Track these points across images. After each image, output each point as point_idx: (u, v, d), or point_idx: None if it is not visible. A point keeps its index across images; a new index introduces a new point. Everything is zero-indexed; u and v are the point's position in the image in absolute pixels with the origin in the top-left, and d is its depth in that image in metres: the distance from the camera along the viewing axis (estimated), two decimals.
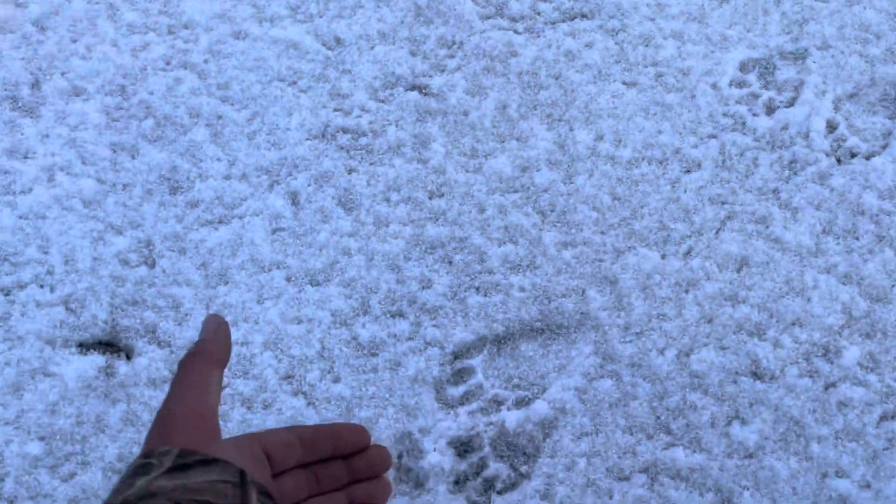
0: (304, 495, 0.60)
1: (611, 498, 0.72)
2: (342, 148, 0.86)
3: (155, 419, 0.50)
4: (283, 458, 0.58)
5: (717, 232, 0.83)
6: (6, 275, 0.79)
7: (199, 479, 0.42)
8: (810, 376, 0.77)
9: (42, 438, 0.73)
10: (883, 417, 0.75)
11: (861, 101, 0.90)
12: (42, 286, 0.79)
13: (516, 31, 0.93)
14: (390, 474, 0.67)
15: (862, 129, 0.88)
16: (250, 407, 0.75)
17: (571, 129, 0.88)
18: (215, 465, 0.45)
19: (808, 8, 0.95)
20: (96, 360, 0.76)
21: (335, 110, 0.89)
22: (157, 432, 0.49)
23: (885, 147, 0.87)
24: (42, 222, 0.81)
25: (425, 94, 0.89)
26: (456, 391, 0.76)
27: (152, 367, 0.76)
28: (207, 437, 0.49)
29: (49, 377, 0.75)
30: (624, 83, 0.91)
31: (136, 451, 0.72)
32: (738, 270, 0.81)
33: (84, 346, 0.77)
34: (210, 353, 0.56)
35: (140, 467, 0.44)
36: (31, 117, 0.87)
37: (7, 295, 0.78)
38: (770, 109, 0.90)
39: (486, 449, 0.74)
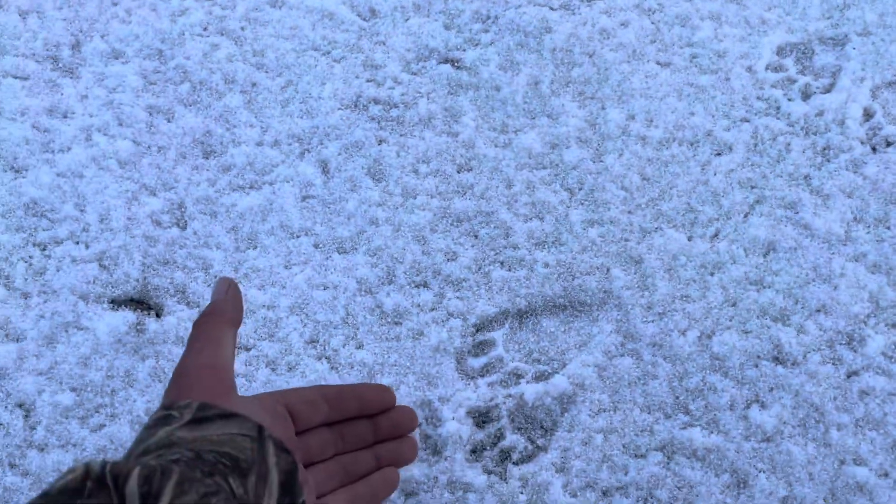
0: (329, 453, 0.62)
1: (626, 474, 0.72)
2: (373, 118, 0.87)
3: (173, 375, 0.52)
4: (307, 416, 0.59)
5: (745, 216, 0.83)
6: (43, 230, 0.81)
7: (217, 431, 0.44)
8: (833, 364, 0.76)
9: (73, 389, 0.75)
10: None
11: None
12: (77, 243, 0.81)
13: (551, 8, 0.92)
14: (416, 435, 0.69)
15: None
16: (275, 369, 0.76)
17: (603, 108, 0.88)
18: (234, 419, 0.47)
19: None
20: (127, 316, 0.78)
21: (368, 81, 0.89)
22: (175, 387, 0.50)
23: None
24: (79, 181, 0.83)
25: (458, 68, 0.90)
26: (476, 362, 0.77)
27: (181, 325, 0.78)
28: (223, 392, 0.50)
29: (82, 331, 0.77)
30: (658, 63, 0.90)
31: None
32: (765, 255, 0.81)
33: (116, 303, 0.79)
34: (223, 313, 0.57)
35: (161, 419, 0.46)
36: (70, 78, 0.88)
37: (43, 250, 0.80)
38: (806, 95, 0.89)
39: (504, 420, 0.75)
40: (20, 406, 0.74)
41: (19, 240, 0.80)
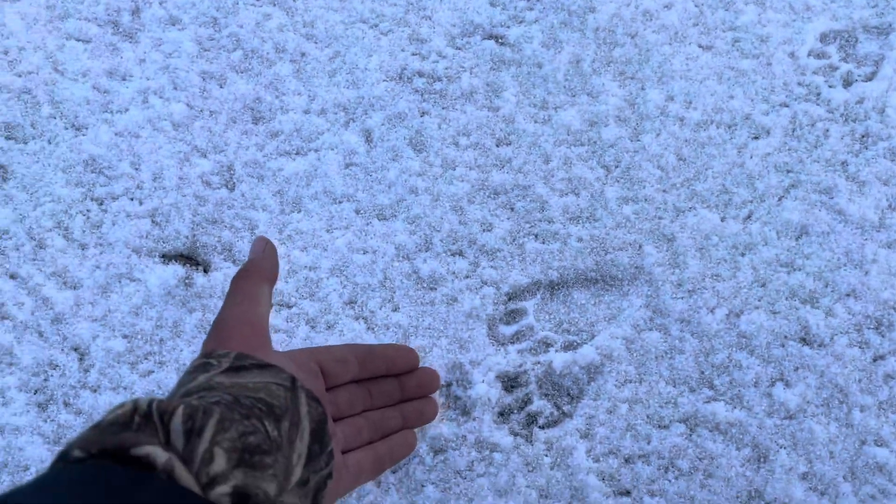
0: (358, 409, 0.65)
1: (649, 443, 0.75)
2: (417, 91, 0.90)
3: (212, 326, 0.55)
4: (338, 373, 0.62)
5: (779, 199, 0.84)
6: (101, 186, 0.85)
7: (253, 379, 0.47)
8: (860, 347, 0.77)
9: (125, 337, 0.79)
10: None
11: None
12: (132, 199, 0.85)
13: None
14: (439, 397, 0.72)
15: None
16: (314, 327, 0.80)
17: (643, 88, 0.89)
18: (269, 369, 0.50)
19: None
20: (177, 270, 0.82)
21: (413, 54, 0.92)
22: (213, 337, 0.53)
23: None
24: (135, 141, 0.87)
25: (501, 44, 0.92)
26: (507, 330, 0.80)
27: (226, 282, 0.82)
28: (259, 344, 0.53)
29: (134, 282, 0.81)
30: (700, 46, 0.91)
31: None
32: (797, 238, 0.82)
33: (166, 257, 0.83)
34: (260, 270, 0.60)
35: (201, 365, 0.49)
36: (130, 42, 0.92)
37: (101, 205, 0.85)
38: (847, 82, 0.89)
39: (532, 386, 0.78)
40: (75, 350, 0.79)
41: (78, 194, 0.85)
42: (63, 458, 0.36)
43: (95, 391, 0.77)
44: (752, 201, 0.84)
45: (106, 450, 0.36)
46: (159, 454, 0.37)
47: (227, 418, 0.40)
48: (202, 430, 0.39)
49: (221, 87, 0.90)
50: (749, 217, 0.83)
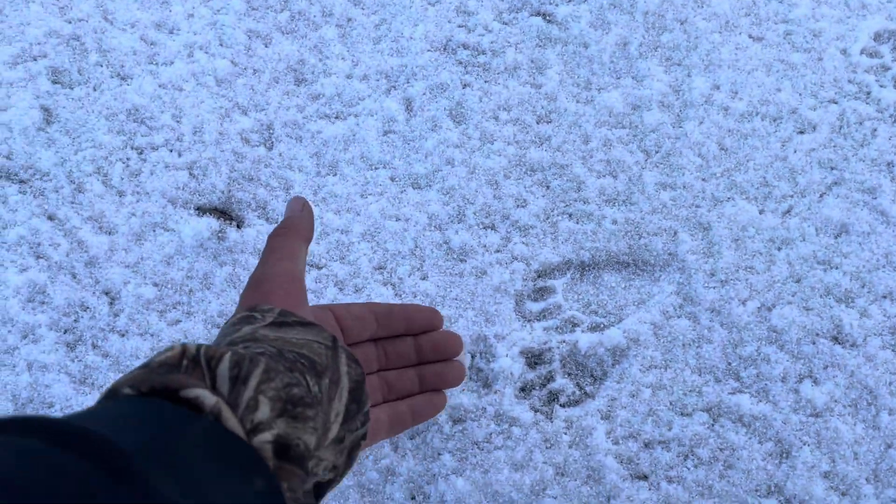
0: (373, 368, 0.64)
1: (670, 430, 0.74)
2: (460, 63, 0.89)
3: (250, 281, 0.55)
4: (356, 331, 0.62)
5: (821, 196, 0.82)
6: (142, 136, 0.86)
7: (297, 336, 0.47)
8: (893, 350, 0.76)
9: (155, 285, 0.80)
10: None
11: None
12: (171, 150, 0.85)
13: None
14: (465, 361, 0.71)
15: None
16: (342, 289, 0.80)
17: (689, 75, 0.88)
18: (312, 328, 0.50)
19: None
20: (211, 223, 0.82)
21: (459, 26, 0.91)
22: (254, 292, 0.53)
23: None
24: (178, 93, 0.88)
25: (549, 22, 0.91)
26: (535, 306, 0.80)
27: (259, 239, 0.82)
28: (298, 302, 0.53)
29: (168, 232, 0.82)
30: (750, 36, 0.90)
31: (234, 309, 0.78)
32: (837, 236, 0.81)
33: (201, 210, 0.84)
34: (298, 228, 0.60)
35: (244, 318, 0.49)
36: None
37: (140, 154, 0.85)
38: None
39: (556, 364, 0.77)
40: (106, 293, 0.80)
41: (119, 142, 0.86)
42: (112, 395, 0.37)
43: (123, 336, 0.78)
44: (792, 196, 0.83)
45: (155, 389, 0.36)
46: (207, 397, 0.37)
47: (272, 368, 0.41)
48: (248, 378, 0.39)
49: (266, 46, 0.91)
50: (788, 211, 0.82)
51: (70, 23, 0.91)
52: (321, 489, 0.44)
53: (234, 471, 0.33)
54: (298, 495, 0.37)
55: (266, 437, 0.37)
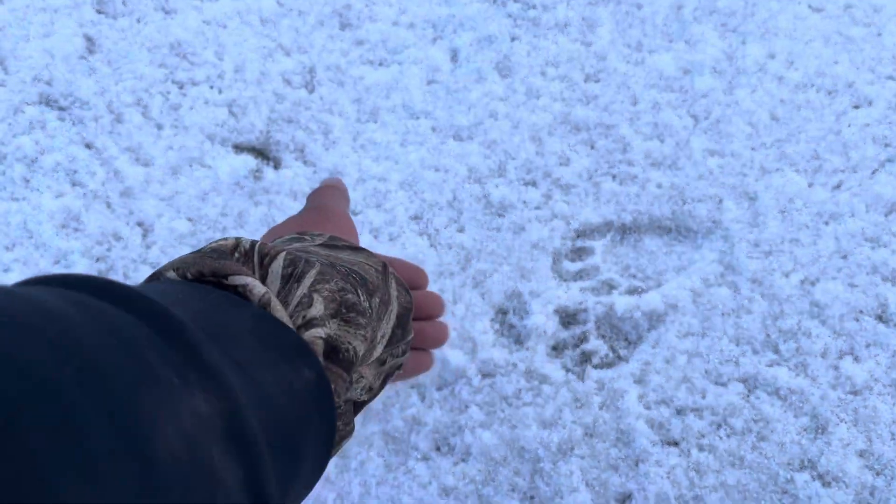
0: None
1: (703, 398, 0.72)
2: (510, 16, 0.87)
3: (299, 214, 0.54)
4: None
5: (873, 172, 0.80)
6: (183, 70, 0.85)
7: (348, 257, 0.45)
8: None
9: (189, 219, 0.79)
10: None
11: None
12: (212, 87, 0.84)
13: None
14: (448, 322, 0.70)
15: None
16: (377, 236, 0.79)
17: (744, 43, 0.85)
18: (361, 252, 0.48)
19: None
20: (248, 162, 0.81)
21: None
22: (303, 221, 0.52)
23: None
24: (222, 30, 0.87)
25: None
26: (572, 266, 0.78)
27: (295, 180, 0.81)
28: (348, 231, 0.52)
29: (204, 168, 0.81)
30: (810, 7, 0.87)
31: None
32: (887, 214, 0.78)
33: (239, 148, 0.83)
34: (343, 186, 0.59)
35: (295, 238, 0.47)
36: None
37: (181, 88, 0.84)
38: None
39: (591, 325, 0.76)
40: (140, 225, 0.79)
41: (161, 75, 0.84)
42: (155, 279, 0.35)
43: (155, 267, 0.77)
44: (843, 171, 0.80)
45: (203, 273, 0.35)
46: (257, 286, 0.35)
47: (326, 272, 0.39)
48: (302, 278, 0.37)
49: None
50: (839, 186, 0.80)
51: None
52: (355, 408, 0.43)
53: (282, 358, 0.32)
54: (339, 401, 0.36)
55: (318, 332, 0.35)
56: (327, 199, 0.57)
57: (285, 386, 0.31)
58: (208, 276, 0.34)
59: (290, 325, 0.34)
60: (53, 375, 0.21)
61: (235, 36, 0.86)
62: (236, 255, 0.37)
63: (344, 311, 0.38)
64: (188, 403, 0.24)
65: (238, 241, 0.38)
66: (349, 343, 0.37)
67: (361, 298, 0.41)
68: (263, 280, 0.37)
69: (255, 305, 0.34)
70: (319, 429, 0.34)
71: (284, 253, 0.38)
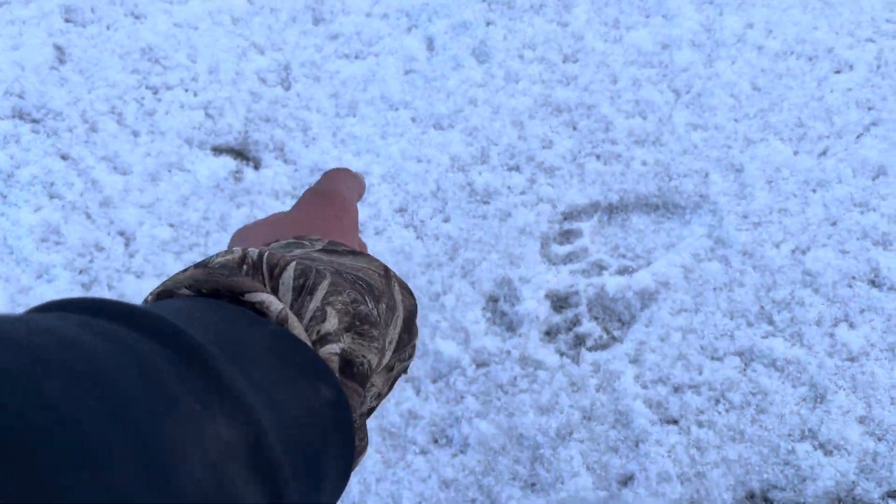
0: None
1: (700, 374, 0.72)
2: (484, 0, 0.86)
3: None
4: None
5: (858, 136, 0.79)
6: (156, 75, 0.84)
7: (352, 263, 0.44)
8: None
9: (171, 225, 0.78)
10: None
11: None
12: (187, 90, 0.83)
13: None
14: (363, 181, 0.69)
15: None
16: (363, 231, 0.78)
17: (721, 14, 0.85)
18: (363, 256, 0.47)
19: None
20: (227, 163, 0.80)
21: None
22: (300, 225, 0.50)
23: None
24: (193, 32, 0.85)
25: None
26: (561, 250, 0.77)
27: (276, 179, 0.80)
28: (352, 239, 0.51)
29: (183, 172, 0.80)
30: None
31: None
32: (874, 178, 0.78)
33: (217, 150, 0.81)
34: (359, 178, 0.57)
35: (293, 243, 0.46)
36: None
37: (155, 93, 0.83)
38: None
39: (583, 307, 0.75)
40: (121, 234, 0.78)
41: (134, 81, 0.83)
42: (167, 295, 0.34)
43: (139, 277, 0.76)
44: (828, 136, 0.80)
45: (219, 291, 0.34)
46: (274, 302, 0.34)
47: (338, 283, 0.38)
48: (314, 290, 0.36)
49: None
50: (824, 153, 0.79)
51: None
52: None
53: (301, 376, 0.31)
54: (355, 416, 0.35)
55: (334, 348, 0.35)
56: (339, 183, 0.55)
57: (305, 406, 0.30)
58: (224, 293, 0.34)
59: (308, 342, 0.34)
60: (75, 408, 0.20)
61: (207, 37, 0.85)
62: (244, 267, 0.36)
63: (358, 323, 0.37)
64: (211, 430, 0.24)
65: (244, 252, 0.37)
66: (363, 356, 0.36)
67: (370, 307, 0.41)
68: (275, 292, 0.36)
69: (272, 322, 0.33)
70: (340, 447, 0.33)
71: (294, 263, 0.37)
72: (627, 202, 0.79)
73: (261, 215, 0.79)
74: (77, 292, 0.75)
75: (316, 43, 0.85)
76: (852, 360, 0.72)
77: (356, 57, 0.85)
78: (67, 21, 0.85)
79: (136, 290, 0.76)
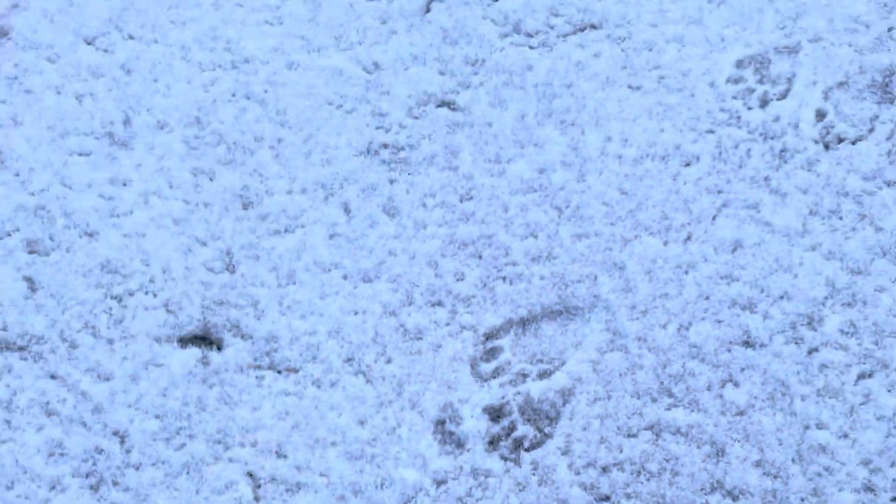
0: None
1: (621, 452, 0.86)
2: (384, 162, 1.01)
3: None
4: None
5: (713, 218, 0.94)
6: (118, 284, 0.97)
7: None
8: (796, 343, 0.88)
9: (157, 417, 0.91)
10: (860, 376, 0.86)
11: (850, 88, 0.99)
12: (147, 293, 0.96)
13: (531, 47, 1.05)
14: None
15: (850, 116, 0.98)
16: (319, 386, 0.91)
17: (583, 133, 1.00)
18: None
19: (801, 3, 1.03)
20: (194, 352, 0.93)
21: (377, 128, 1.03)
22: None
23: (871, 131, 0.97)
24: (142, 239, 0.99)
25: (453, 109, 1.03)
26: (488, 367, 0.91)
27: (238, 355, 0.93)
28: None
29: (159, 367, 0.93)
30: (629, 87, 1.02)
31: (232, 425, 0.89)
32: (733, 252, 0.93)
33: (183, 341, 0.95)
34: None
35: None
36: (125, 150, 1.04)
37: (120, 302, 0.96)
38: (763, 102, 1.00)
39: (515, 414, 0.89)
40: (116, 434, 0.90)
41: (100, 294, 0.96)
42: None
43: (138, 469, 0.88)
44: (689, 223, 0.95)
45: None
46: None
47: None
48: None
49: (211, 180, 1.02)
50: (688, 238, 0.94)
51: (33, 195, 1.01)
52: None
53: None
54: None
55: None
56: None
57: None
58: None
59: None
60: None
61: (155, 241, 0.98)
62: None
63: None
64: None
65: None
66: None
67: None
68: None
69: None
70: None
71: None
72: (535, 314, 0.93)
73: (232, 391, 0.92)
74: (87, 496, 0.88)
75: (249, 226, 0.99)
76: (741, 414, 0.86)
77: (286, 231, 0.98)
78: (31, 252, 0.98)
79: (138, 481, 0.88)
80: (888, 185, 0.94)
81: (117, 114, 1.05)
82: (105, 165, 1.03)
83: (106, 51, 1.08)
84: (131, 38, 1.09)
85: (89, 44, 1.09)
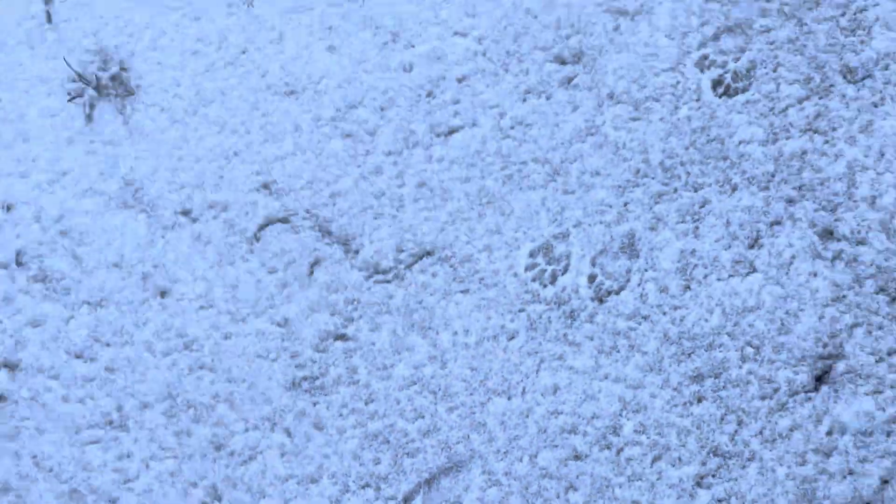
0: None
1: None
2: (306, 391, 1.41)
3: None
4: None
5: (536, 373, 1.36)
6: None
7: None
8: (608, 448, 1.29)
9: None
10: (654, 460, 1.26)
11: (608, 253, 1.43)
12: None
13: (388, 281, 1.47)
14: None
15: (612, 273, 1.41)
16: None
17: (437, 334, 1.42)
18: None
19: (563, 200, 1.48)
20: None
21: (296, 366, 1.44)
22: None
23: (627, 281, 1.40)
24: (150, 494, 1.37)
25: (346, 339, 1.44)
26: None
27: None
28: None
29: None
30: (461, 292, 1.45)
31: None
32: (554, 393, 1.34)
33: None
34: None
35: None
36: (123, 431, 1.43)
37: None
38: (553, 278, 1.43)
39: None
40: None
41: None
42: None
43: None
44: (522, 381, 1.36)
45: None
46: None
47: None
48: None
49: (189, 436, 1.41)
50: (524, 391, 1.35)
51: (65, 483, 1.39)
52: None
53: None
54: None
55: None
56: None
57: None
58: None
59: None
60: None
61: (159, 494, 1.37)
62: None
63: None
64: None
65: None
66: None
67: None
68: None
69: None
70: None
71: None
72: (434, 473, 1.32)
73: None
74: None
75: (223, 462, 1.38)
76: None
77: (250, 459, 1.38)
78: None
79: None
80: (645, 319, 1.37)
81: (112, 405, 1.45)
82: (112, 447, 1.42)
83: (92, 360, 1.49)
84: (108, 345, 1.50)
85: (78, 357, 1.50)
